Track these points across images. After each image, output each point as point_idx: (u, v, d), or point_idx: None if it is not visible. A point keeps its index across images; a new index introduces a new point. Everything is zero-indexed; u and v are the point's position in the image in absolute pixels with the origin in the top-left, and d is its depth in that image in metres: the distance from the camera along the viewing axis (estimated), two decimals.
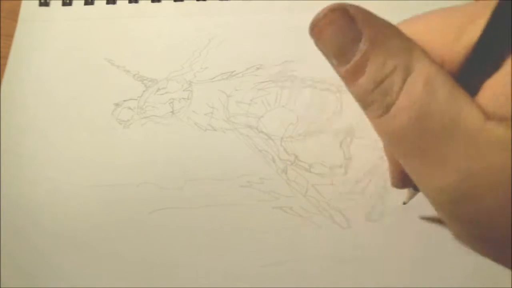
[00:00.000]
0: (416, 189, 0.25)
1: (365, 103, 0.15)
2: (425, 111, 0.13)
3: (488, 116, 0.13)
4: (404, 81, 0.14)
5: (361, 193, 0.29)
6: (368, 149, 0.30)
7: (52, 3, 0.36)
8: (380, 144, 0.30)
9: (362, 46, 0.14)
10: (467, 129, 0.13)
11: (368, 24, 0.14)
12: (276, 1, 0.35)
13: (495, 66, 0.13)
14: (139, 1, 0.36)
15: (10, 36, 0.34)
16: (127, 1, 0.36)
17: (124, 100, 0.32)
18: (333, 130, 0.31)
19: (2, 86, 0.33)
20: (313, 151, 0.30)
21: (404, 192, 0.27)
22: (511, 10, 0.12)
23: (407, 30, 0.15)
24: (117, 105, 0.32)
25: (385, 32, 0.14)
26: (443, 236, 0.27)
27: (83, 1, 0.36)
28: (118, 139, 0.31)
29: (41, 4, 0.35)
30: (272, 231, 0.28)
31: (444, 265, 0.27)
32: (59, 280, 0.27)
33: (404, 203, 0.28)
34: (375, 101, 0.14)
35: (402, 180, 0.23)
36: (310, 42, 0.32)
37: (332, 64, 0.15)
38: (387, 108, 0.14)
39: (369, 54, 0.14)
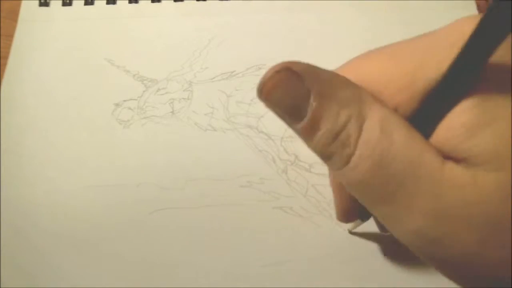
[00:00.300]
0: (362, 220, 0.25)
1: (325, 157, 0.15)
2: (385, 157, 0.13)
3: (445, 157, 0.13)
4: (360, 129, 0.14)
5: None
6: None
7: (52, 3, 0.36)
8: None
9: (313, 102, 0.14)
10: (427, 171, 0.13)
11: (315, 79, 0.14)
12: (276, 1, 0.35)
13: (449, 109, 0.13)
14: (139, 1, 0.36)
15: (10, 36, 0.34)
16: (127, 1, 0.36)
17: (124, 100, 0.32)
18: None
19: (2, 86, 0.32)
20: None
21: None
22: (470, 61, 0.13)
23: (358, 73, 0.15)
24: (117, 105, 0.32)
25: (333, 85, 0.14)
26: None
27: (83, 1, 0.36)
28: (118, 139, 0.31)
29: (41, 4, 0.35)
30: (272, 231, 0.28)
31: None
32: (59, 280, 0.27)
33: (349, 232, 0.28)
34: (334, 154, 0.14)
35: (347, 215, 0.23)
36: (310, 43, 0.33)
37: (286, 122, 0.15)
38: (347, 159, 0.14)
39: (320, 110, 0.14)
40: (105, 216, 0.29)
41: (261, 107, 0.32)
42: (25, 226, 0.28)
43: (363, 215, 0.24)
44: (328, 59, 0.33)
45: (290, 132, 0.31)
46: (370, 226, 0.26)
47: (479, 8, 0.34)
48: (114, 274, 0.27)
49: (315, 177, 0.29)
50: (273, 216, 0.28)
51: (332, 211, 0.28)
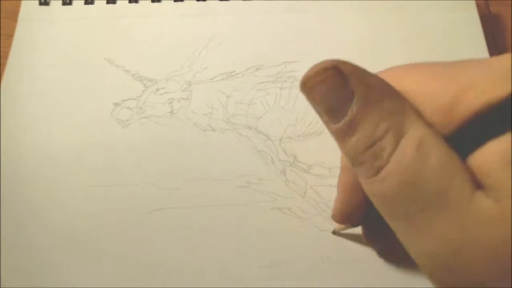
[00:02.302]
0: (353, 225, 0.25)
1: (355, 163, 0.14)
2: (416, 177, 0.13)
3: (477, 185, 0.13)
4: (396, 144, 0.13)
5: None
6: None
7: (52, 2, 0.36)
8: None
9: (354, 106, 0.13)
10: (455, 200, 0.13)
11: (361, 83, 0.14)
12: (276, 1, 0.35)
13: (492, 137, 0.13)
14: (139, 1, 0.36)
15: (10, 36, 0.34)
16: (127, 1, 0.36)
17: (123, 100, 0.32)
18: None
19: (2, 86, 0.33)
20: (312, 152, 0.30)
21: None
22: None
23: (399, 84, 0.14)
24: (116, 105, 0.32)
25: (378, 92, 0.14)
26: None
27: (83, 1, 0.36)
28: (117, 139, 0.31)
29: (41, 4, 0.35)
30: (270, 232, 0.28)
31: None
32: (59, 280, 0.27)
33: (333, 232, 0.27)
34: (365, 162, 0.14)
35: (345, 217, 0.23)
36: (310, 43, 0.33)
37: (323, 120, 0.15)
38: (377, 171, 0.14)
39: (361, 115, 0.13)
40: (104, 216, 0.29)
41: (260, 108, 0.32)
42: (24, 226, 0.28)
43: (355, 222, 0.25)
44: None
45: (289, 132, 0.31)
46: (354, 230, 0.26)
47: (479, 8, 0.34)
48: (113, 274, 0.27)
49: (313, 178, 0.29)
50: (271, 217, 0.28)
51: (330, 212, 0.28)
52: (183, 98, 0.32)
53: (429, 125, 0.14)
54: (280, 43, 0.34)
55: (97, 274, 0.27)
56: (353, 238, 0.27)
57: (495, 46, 0.33)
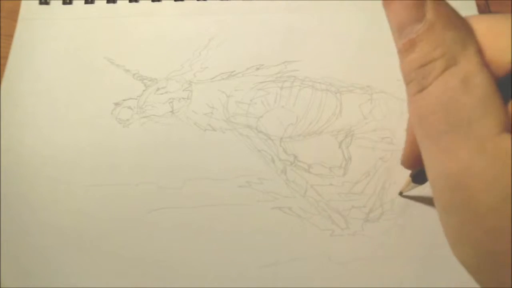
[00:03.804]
0: (416, 182, 0.26)
1: (406, 79, 0.16)
2: (452, 103, 0.14)
3: (509, 128, 0.14)
4: (445, 69, 0.15)
5: (360, 193, 0.29)
6: (368, 150, 0.30)
7: (52, 2, 0.36)
8: (379, 145, 0.30)
9: (421, 27, 0.15)
10: (481, 132, 0.14)
11: (435, 8, 0.15)
12: (276, 1, 0.35)
13: None
14: (139, 1, 0.36)
15: (10, 36, 0.34)
16: (128, 1, 0.36)
17: (124, 100, 0.32)
18: (333, 130, 0.31)
19: (2, 85, 0.33)
20: (313, 151, 0.30)
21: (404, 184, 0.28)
22: None
23: (473, 23, 0.16)
24: (116, 104, 0.32)
25: (447, 21, 0.15)
26: (442, 236, 0.27)
27: (83, 0, 0.36)
28: (118, 138, 0.31)
29: (41, 3, 0.35)
30: (270, 232, 0.28)
31: (443, 266, 0.27)
32: (58, 280, 0.27)
33: (400, 193, 0.28)
34: (414, 80, 0.15)
35: (411, 161, 0.24)
36: (310, 43, 0.33)
37: (393, 36, 0.16)
38: (421, 89, 0.15)
39: (424, 37, 0.15)
40: (104, 215, 0.29)
41: (260, 107, 0.32)
42: (25, 226, 0.28)
43: (419, 179, 0.25)
44: (328, 59, 0.33)
45: (289, 132, 0.31)
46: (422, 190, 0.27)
47: (479, 8, 0.34)
48: (113, 274, 0.27)
49: (314, 177, 0.29)
50: (271, 217, 0.28)
51: (331, 211, 0.28)
52: (183, 98, 0.32)
53: (485, 63, 0.15)
54: (280, 43, 0.34)
55: (97, 274, 0.27)
56: (419, 200, 0.28)
57: None
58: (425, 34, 0.15)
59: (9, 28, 0.35)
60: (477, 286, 0.16)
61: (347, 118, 0.31)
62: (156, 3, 0.36)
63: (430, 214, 0.28)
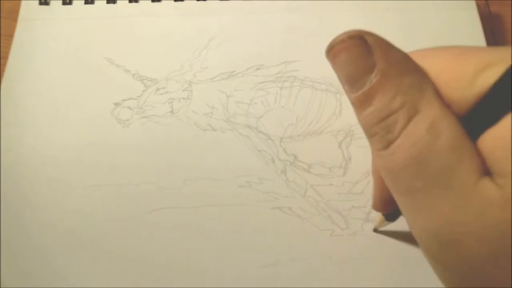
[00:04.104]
0: (388, 220, 0.25)
1: (368, 134, 0.15)
2: (424, 155, 0.13)
3: (485, 170, 0.13)
4: (409, 120, 0.14)
5: (360, 193, 0.29)
6: (368, 150, 0.30)
7: (52, 2, 0.36)
8: None
9: (373, 78, 0.14)
10: (460, 182, 0.13)
11: (384, 56, 0.14)
12: (276, 1, 0.35)
13: (498, 118, 0.13)
14: (139, 1, 0.36)
15: (10, 36, 0.34)
16: (127, 1, 0.36)
17: (124, 100, 0.32)
18: (333, 130, 0.31)
19: (2, 85, 0.33)
20: (313, 151, 0.30)
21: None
22: None
23: (424, 63, 0.15)
24: (116, 104, 0.32)
25: (399, 67, 0.14)
26: None
27: (83, 0, 0.36)
28: (118, 138, 0.31)
29: (41, 3, 0.35)
30: (270, 232, 0.28)
31: None
32: (58, 280, 0.27)
33: (375, 230, 0.28)
34: (377, 134, 0.14)
35: (383, 205, 0.23)
36: (310, 43, 0.33)
37: (344, 88, 0.15)
38: (388, 144, 0.14)
39: (378, 88, 0.14)
40: (104, 216, 0.29)
41: (260, 107, 0.32)
42: (25, 226, 0.28)
43: (392, 217, 0.25)
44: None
45: (289, 132, 0.31)
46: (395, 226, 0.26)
47: (479, 8, 0.34)
48: (113, 274, 0.27)
49: (314, 177, 0.29)
50: (271, 217, 0.28)
51: (331, 211, 0.28)
52: (183, 98, 0.32)
53: (446, 105, 0.14)
54: (280, 43, 0.34)
55: (97, 274, 0.27)
56: (394, 235, 0.28)
57: (495, 46, 0.33)
58: (379, 84, 0.14)
59: (9, 28, 0.35)
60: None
61: (347, 118, 0.31)
62: (156, 3, 0.36)
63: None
